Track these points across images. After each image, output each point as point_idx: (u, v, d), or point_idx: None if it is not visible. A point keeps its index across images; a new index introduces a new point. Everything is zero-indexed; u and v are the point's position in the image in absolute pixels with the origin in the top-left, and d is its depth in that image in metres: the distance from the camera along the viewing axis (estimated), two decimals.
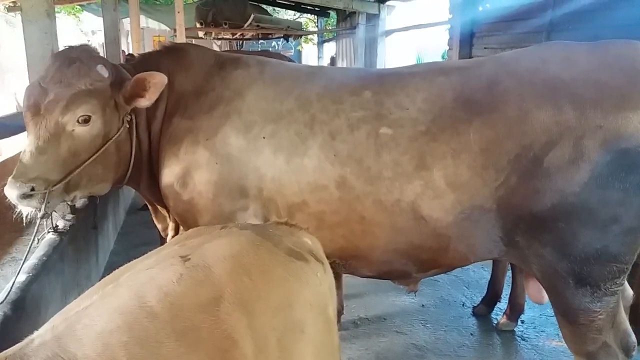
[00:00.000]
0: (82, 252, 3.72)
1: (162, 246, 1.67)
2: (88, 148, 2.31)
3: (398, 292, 4.00)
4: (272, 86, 2.46)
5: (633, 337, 2.23)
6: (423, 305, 3.89)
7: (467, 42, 7.50)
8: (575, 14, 5.37)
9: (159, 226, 2.84)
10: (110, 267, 4.67)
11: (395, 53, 11.86)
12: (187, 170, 2.41)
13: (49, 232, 3.21)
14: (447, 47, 8.46)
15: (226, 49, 17.08)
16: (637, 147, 1.87)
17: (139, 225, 5.55)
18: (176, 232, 2.71)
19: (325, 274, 1.73)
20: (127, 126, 2.45)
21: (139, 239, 5.11)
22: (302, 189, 2.27)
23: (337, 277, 3.51)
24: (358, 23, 12.12)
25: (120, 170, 2.54)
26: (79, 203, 3.81)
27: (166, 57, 2.59)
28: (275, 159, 2.30)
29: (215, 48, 16.43)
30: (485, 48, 7.12)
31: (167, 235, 2.80)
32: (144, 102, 2.36)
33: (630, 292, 2.33)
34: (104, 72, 2.33)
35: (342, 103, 2.30)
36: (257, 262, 1.51)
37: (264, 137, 2.34)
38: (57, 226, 3.31)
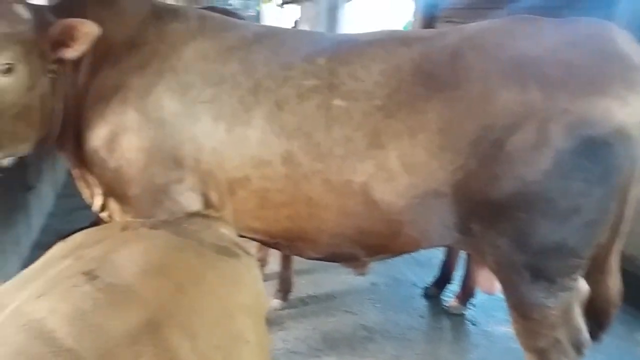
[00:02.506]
0: (8, 215, 3.39)
1: (43, 260, 1.28)
2: (10, 102, 1.98)
3: (349, 269, 3.90)
4: (214, 44, 2.19)
5: (585, 334, 2.19)
6: (373, 284, 3.80)
7: (430, 14, 7.35)
8: None
9: (85, 193, 2.54)
10: (46, 231, 4.40)
11: (358, 21, 11.57)
12: (115, 134, 2.13)
13: None
14: (412, 19, 8.30)
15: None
16: (602, 135, 1.76)
17: None
18: (105, 200, 2.43)
19: (256, 268, 1.55)
20: (52, 76, 2.14)
21: (82, 202, 4.73)
22: (244, 163, 2.05)
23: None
24: None
25: (45, 129, 2.22)
26: (6, 162, 3.45)
27: (96, 1, 2.26)
28: (215, 128, 2.07)
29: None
30: (447, 22, 7.00)
31: (92, 203, 2.52)
32: (70, 54, 2.04)
33: (585, 287, 2.29)
34: (24, 12, 1.98)
35: (292, 69, 2.07)
36: (187, 271, 1.26)
37: (202, 102, 2.09)
38: None
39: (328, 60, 2.08)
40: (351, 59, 2.06)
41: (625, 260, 3.48)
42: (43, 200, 4.51)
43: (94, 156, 2.20)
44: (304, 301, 3.52)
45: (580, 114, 1.77)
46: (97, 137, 2.17)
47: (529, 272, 1.96)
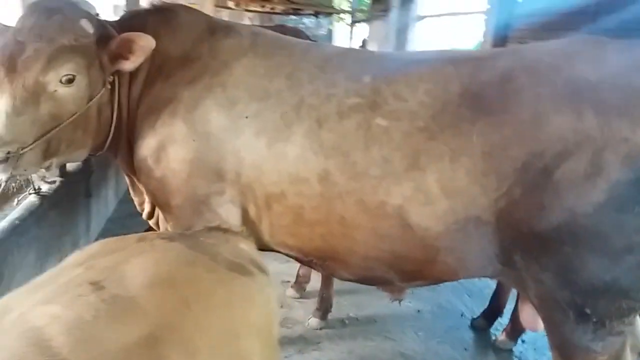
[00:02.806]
0: (67, 218, 3.58)
1: (59, 267, 1.30)
2: (70, 111, 2.10)
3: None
4: (263, 60, 2.22)
5: None
6: (419, 311, 3.65)
7: (502, 35, 7.11)
8: (622, 13, 5.00)
9: (135, 200, 2.64)
10: (104, 234, 4.61)
11: (428, 41, 11.42)
12: (162, 145, 2.19)
13: (30, 194, 3.06)
14: (482, 39, 8.08)
15: (257, 24, 16.82)
16: None
17: None
18: (153, 208, 2.51)
19: (271, 287, 1.49)
20: (110, 87, 2.25)
21: None
22: (281, 178, 2.05)
23: None
24: (392, 5, 11.71)
25: (100, 137, 2.34)
26: (71, 166, 3.67)
27: (154, 16, 2.35)
28: (256, 142, 2.08)
29: (247, 22, 16.15)
30: (520, 43, 6.74)
31: (143, 211, 2.60)
32: (128, 65, 2.15)
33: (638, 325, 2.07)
34: (88, 26, 2.10)
35: (336, 87, 2.06)
36: (195, 286, 1.22)
37: (246, 117, 2.11)
38: (39, 189, 3.15)
39: (374, 78, 2.05)
40: (397, 77, 2.02)
41: None
42: (105, 205, 4.75)
43: (142, 165, 2.28)
44: (343, 322, 3.43)
45: None
46: (146, 146, 2.25)
47: (574, 312, 1.80)
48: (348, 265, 2.16)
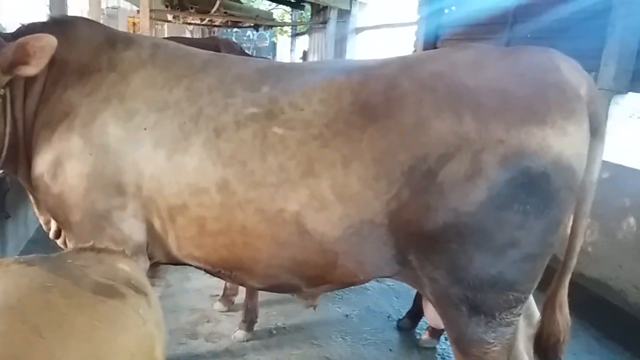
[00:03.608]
0: None
1: None
2: None
3: (324, 300, 3.80)
4: (163, 72, 2.20)
5: None
6: (347, 315, 3.70)
7: (430, 45, 7.37)
8: (535, 23, 5.29)
9: (41, 219, 2.56)
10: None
11: (365, 51, 11.66)
12: (59, 160, 2.13)
13: None
14: (413, 49, 8.34)
15: (198, 36, 16.66)
16: (540, 166, 1.70)
17: None
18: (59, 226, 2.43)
19: (150, 308, 1.43)
20: (1, 101, 2.16)
21: None
22: (182, 190, 2.03)
23: None
24: (329, 18, 11.92)
25: None
26: None
27: (51, 28, 2.28)
28: (155, 154, 2.06)
29: (187, 34, 15.96)
30: None
31: (49, 230, 2.52)
32: (31, 70, 2.05)
33: (537, 316, 2.18)
34: None
35: (234, 97, 2.07)
36: (48, 313, 1.17)
37: (145, 128, 2.08)
38: None
39: (272, 88, 2.07)
40: (294, 87, 2.05)
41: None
42: (24, 225, 4.55)
43: (39, 182, 2.20)
44: (270, 332, 3.42)
45: (516, 144, 1.72)
46: (42, 162, 2.18)
47: (466, 307, 1.88)
48: (254, 275, 2.17)
